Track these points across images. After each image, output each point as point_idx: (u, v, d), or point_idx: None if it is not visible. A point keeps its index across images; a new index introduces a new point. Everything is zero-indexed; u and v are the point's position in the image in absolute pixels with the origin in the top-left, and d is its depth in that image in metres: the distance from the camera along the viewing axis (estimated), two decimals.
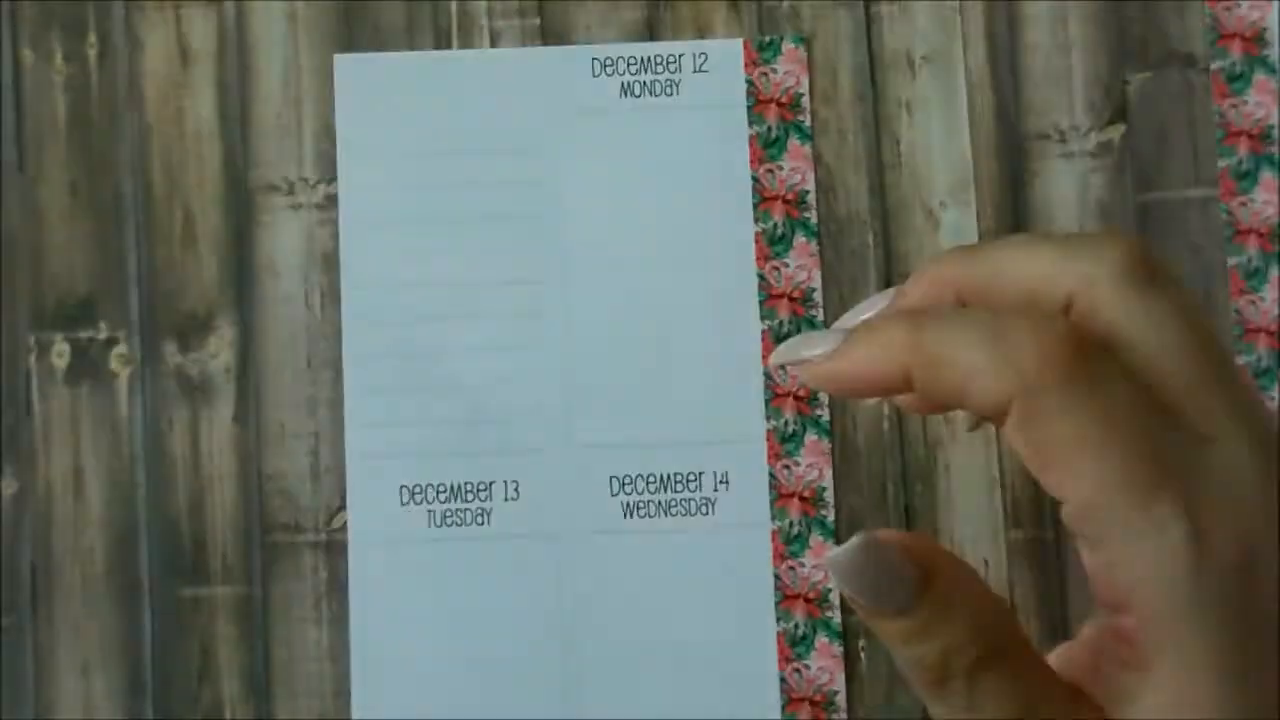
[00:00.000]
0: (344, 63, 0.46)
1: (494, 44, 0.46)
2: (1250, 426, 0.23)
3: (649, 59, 0.46)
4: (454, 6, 0.46)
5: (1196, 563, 0.22)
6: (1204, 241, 0.46)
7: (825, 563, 0.34)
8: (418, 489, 0.45)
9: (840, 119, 0.46)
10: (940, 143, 0.46)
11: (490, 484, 0.44)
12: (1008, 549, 0.45)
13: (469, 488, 0.44)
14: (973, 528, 0.45)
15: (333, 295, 0.45)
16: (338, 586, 0.44)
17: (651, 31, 0.46)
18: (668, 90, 0.46)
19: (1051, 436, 0.22)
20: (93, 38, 0.46)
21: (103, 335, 0.45)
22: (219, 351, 0.45)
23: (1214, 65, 0.41)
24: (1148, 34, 0.47)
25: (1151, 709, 0.22)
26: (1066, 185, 0.46)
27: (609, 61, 0.46)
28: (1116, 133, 0.46)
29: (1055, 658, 0.25)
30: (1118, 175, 0.46)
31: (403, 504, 0.44)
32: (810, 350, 0.26)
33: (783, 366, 0.29)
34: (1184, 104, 0.46)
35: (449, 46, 0.46)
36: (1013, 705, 0.23)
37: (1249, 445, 0.23)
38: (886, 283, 0.46)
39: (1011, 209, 0.46)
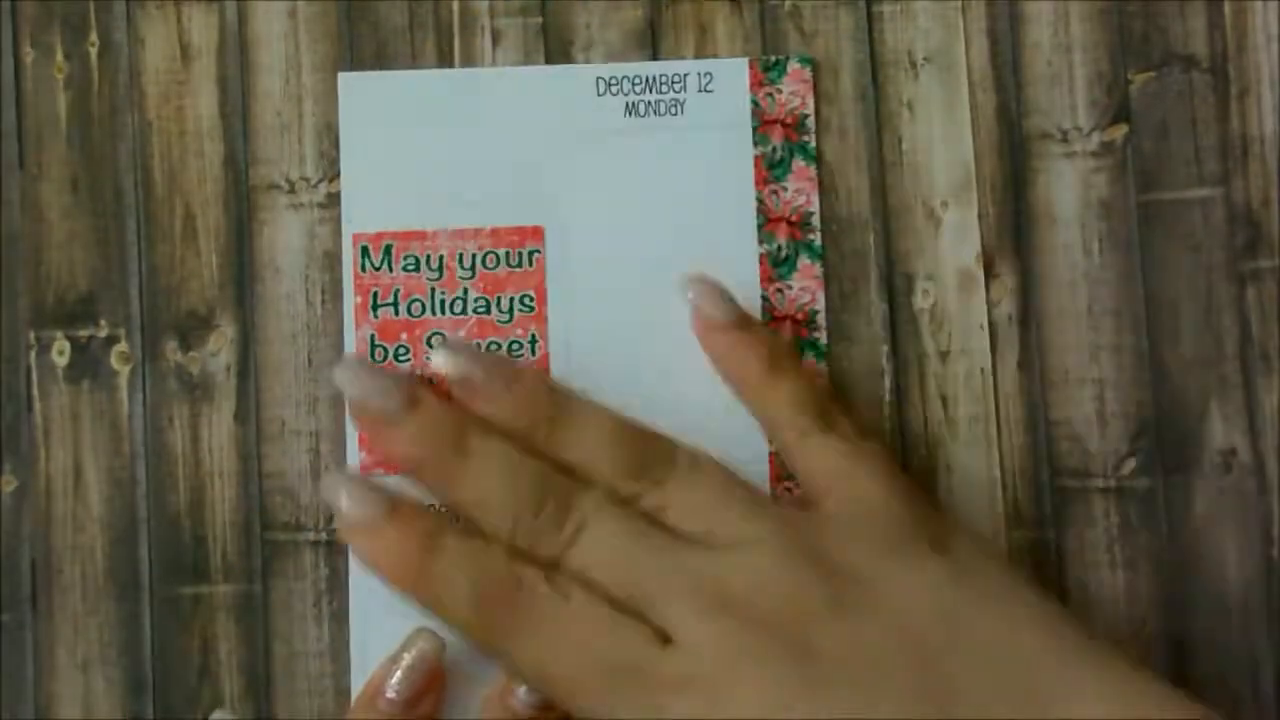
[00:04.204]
0: (348, 81, 0.46)
1: (495, 43, 0.46)
2: None
3: (654, 78, 0.45)
4: (455, 5, 0.46)
5: None
6: (1205, 241, 0.46)
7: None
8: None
9: (841, 118, 0.46)
10: (942, 142, 0.46)
11: None
12: (1008, 549, 0.45)
13: None
14: (973, 528, 0.45)
15: (334, 293, 0.45)
16: (338, 584, 0.44)
17: (653, 31, 0.46)
18: (672, 110, 0.45)
19: None
20: (94, 35, 0.46)
21: (103, 333, 0.45)
22: (219, 349, 0.45)
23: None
24: (1150, 33, 0.47)
25: None
26: (1069, 185, 0.46)
27: (614, 80, 0.45)
28: (1119, 132, 0.46)
29: None
30: (1120, 175, 0.46)
31: None
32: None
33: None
34: (1186, 104, 0.46)
35: (450, 45, 0.46)
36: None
37: None
38: (888, 283, 0.46)
39: (1013, 208, 0.46)
